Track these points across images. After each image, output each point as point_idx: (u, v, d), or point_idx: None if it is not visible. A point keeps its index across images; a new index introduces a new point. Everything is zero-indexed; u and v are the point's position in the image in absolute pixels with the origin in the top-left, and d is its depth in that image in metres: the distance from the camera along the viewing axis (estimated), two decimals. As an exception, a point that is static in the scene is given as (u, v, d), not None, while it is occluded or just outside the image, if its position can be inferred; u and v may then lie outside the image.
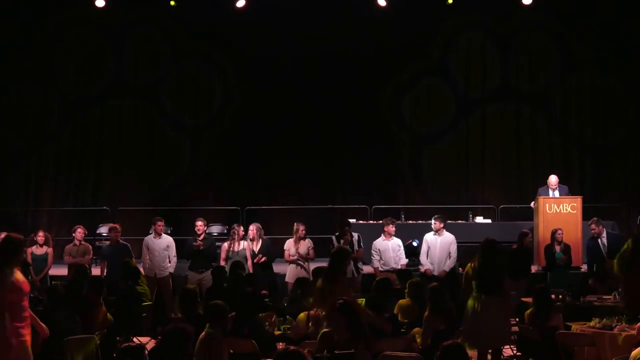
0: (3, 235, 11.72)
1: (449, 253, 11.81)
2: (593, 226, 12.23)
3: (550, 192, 13.39)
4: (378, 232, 12.39)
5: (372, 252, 11.92)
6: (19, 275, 6.33)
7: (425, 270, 11.76)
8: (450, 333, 7.16)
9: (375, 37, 16.78)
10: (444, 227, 11.98)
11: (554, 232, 11.88)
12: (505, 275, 8.15)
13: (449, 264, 11.77)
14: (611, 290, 9.85)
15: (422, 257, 11.90)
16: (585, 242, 12.80)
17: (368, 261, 12.08)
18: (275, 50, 16.77)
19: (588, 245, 12.38)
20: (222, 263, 11.46)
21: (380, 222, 12.59)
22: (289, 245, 11.72)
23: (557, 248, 11.79)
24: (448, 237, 11.97)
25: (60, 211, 16.80)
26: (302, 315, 7.86)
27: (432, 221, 12.12)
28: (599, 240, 12.17)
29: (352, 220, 13.81)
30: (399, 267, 11.68)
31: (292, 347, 5.09)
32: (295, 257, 11.61)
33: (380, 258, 11.86)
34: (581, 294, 10.10)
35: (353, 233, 11.91)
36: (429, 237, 11.98)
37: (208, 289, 9.94)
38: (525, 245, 11.90)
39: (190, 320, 7.08)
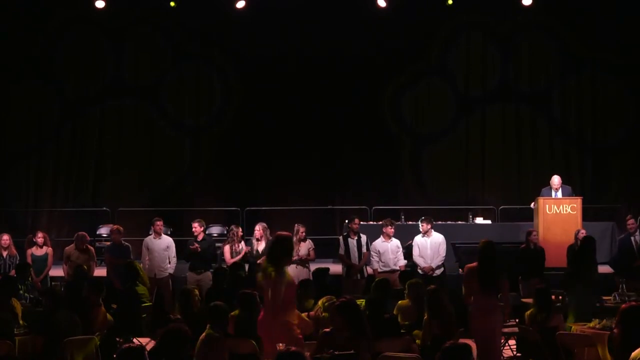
0: (5, 236, 11.85)
1: (439, 253, 11.89)
2: (632, 221, 12.16)
3: (553, 193, 13.39)
4: (378, 232, 12.38)
5: (372, 253, 11.94)
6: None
7: (424, 268, 11.77)
8: (449, 337, 7.13)
9: (375, 38, 16.78)
10: (431, 228, 12.08)
11: (577, 233, 11.90)
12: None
13: (436, 262, 11.82)
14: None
15: (417, 259, 11.92)
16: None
17: (368, 262, 12.07)
18: (275, 50, 16.78)
19: (621, 241, 12.26)
20: (228, 264, 11.39)
21: (381, 223, 12.59)
22: (289, 246, 11.72)
23: None
24: (437, 238, 12.02)
25: (61, 211, 16.79)
26: (302, 315, 7.86)
27: (419, 223, 12.15)
28: (633, 238, 12.03)
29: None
30: (398, 268, 11.68)
31: (292, 348, 5.09)
32: (296, 258, 11.61)
33: (380, 259, 11.87)
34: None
35: (362, 235, 11.92)
36: (418, 239, 12.05)
37: (208, 290, 9.93)
38: (532, 243, 11.85)
39: (188, 321, 7.09)
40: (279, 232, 6.85)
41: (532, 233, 11.97)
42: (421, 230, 12.06)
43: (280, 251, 6.56)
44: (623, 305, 5.91)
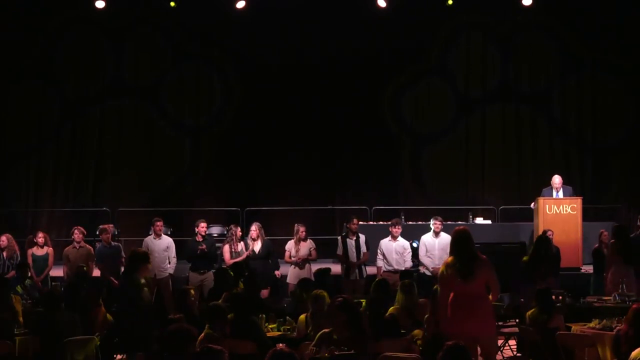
0: (3, 237, 11.84)
1: (447, 253, 11.79)
2: None
3: (554, 193, 13.39)
4: (378, 233, 12.39)
5: (377, 251, 11.93)
6: None
7: (433, 269, 11.73)
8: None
9: (375, 38, 16.79)
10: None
11: (600, 235, 11.88)
12: None
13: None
14: None
15: (424, 259, 11.88)
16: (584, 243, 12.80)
17: (374, 261, 12.05)
18: (275, 51, 16.79)
19: (632, 239, 12.16)
20: (227, 264, 11.36)
21: (381, 223, 12.57)
22: (290, 246, 11.72)
23: (605, 251, 11.76)
24: (446, 238, 11.92)
25: (60, 212, 16.78)
26: (302, 317, 7.86)
27: (434, 222, 12.04)
28: None
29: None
30: (403, 268, 11.62)
31: (284, 348, 5.11)
32: (295, 259, 11.59)
33: (384, 258, 11.85)
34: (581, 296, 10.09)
35: (360, 235, 11.89)
36: (426, 238, 11.96)
37: (210, 290, 9.93)
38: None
39: (187, 321, 7.08)
40: (459, 228, 7.17)
41: (547, 232, 11.98)
42: (435, 229, 11.92)
43: (473, 243, 6.98)
44: (634, 305, 5.92)
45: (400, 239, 11.95)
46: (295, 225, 11.84)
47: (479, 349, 6.93)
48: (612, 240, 10.76)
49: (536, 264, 10.22)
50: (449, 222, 14.96)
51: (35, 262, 11.76)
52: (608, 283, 10.40)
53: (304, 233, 11.68)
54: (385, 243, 11.94)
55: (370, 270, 12.03)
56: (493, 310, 7.08)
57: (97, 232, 12.68)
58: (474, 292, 6.77)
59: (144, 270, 7.79)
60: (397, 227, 11.98)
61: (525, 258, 10.49)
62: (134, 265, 7.86)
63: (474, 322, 6.77)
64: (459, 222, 15.17)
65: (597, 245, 12.00)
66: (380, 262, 11.87)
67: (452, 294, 6.89)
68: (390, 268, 11.73)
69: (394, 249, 11.87)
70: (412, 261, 12.20)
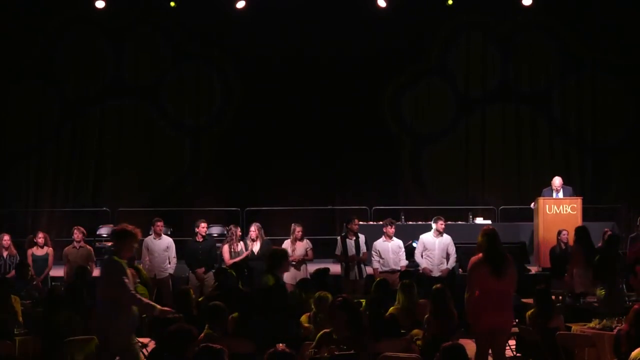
0: (6, 236, 11.85)
1: (448, 254, 11.79)
2: None
3: (554, 194, 13.40)
4: (378, 233, 12.34)
5: (372, 252, 11.86)
6: None
7: (424, 269, 11.71)
8: (448, 336, 7.13)
9: (376, 37, 16.80)
10: None
11: (604, 234, 11.92)
12: None
13: (450, 263, 11.73)
14: None
15: (419, 258, 11.83)
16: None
17: (368, 262, 12.05)
18: (275, 51, 16.79)
19: (632, 239, 12.11)
20: (227, 264, 11.35)
21: (380, 223, 12.54)
22: (286, 246, 11.65)
23: None
24: (446, 238, 11.92)
25: (60, 212, 16.79)
26: (304, 317, 7.86)
27: (438, 221, 11.91)
28: None
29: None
30: (399, 268, 11.62)
31: (283, 348, 5.11)
32: (291, 259, 11.55)
33: (380, 258, 11.82)
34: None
35: (360, 235, 11.86)
36: (426, 238, 11.86)
37: (210, 291, 9.92)
38: (563, 242, 11.93)
39: (186, 321, 7.08)
40: (488, 227, 7.39)
41: (562, 232, 11.97)
42: (440, 229, 11.78)
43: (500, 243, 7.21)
44: (635, 306, 5.92)
45: (394, 238, 11.92)
46: (292, 225, 11.79)
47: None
48: (575, 242, 10.79)
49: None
50: (449, 222, 14.99)
51: (35, 262, 11.76)
52: (568, 283, 10.46)
53: (300, 233, 11.62)
54: (381, 244, 11.88)
55: (370, 270, 12.01)
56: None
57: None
58: (503, 289, 7.05)
59: (286, 266, 7.96)
60: (391, 226, 11.94)
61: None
62: (277, 262, 8.00)
63: (503, 317, 7.06)
64: (459, 222, 15.24)
65: (600, 244, 11.96)
66: (376, 264, 11.79)
67: (478, 291, 7.04)
68: (387, 268, 11.65)
69: (390, 249, 11.80)
70: (411, 261, 12.18)
